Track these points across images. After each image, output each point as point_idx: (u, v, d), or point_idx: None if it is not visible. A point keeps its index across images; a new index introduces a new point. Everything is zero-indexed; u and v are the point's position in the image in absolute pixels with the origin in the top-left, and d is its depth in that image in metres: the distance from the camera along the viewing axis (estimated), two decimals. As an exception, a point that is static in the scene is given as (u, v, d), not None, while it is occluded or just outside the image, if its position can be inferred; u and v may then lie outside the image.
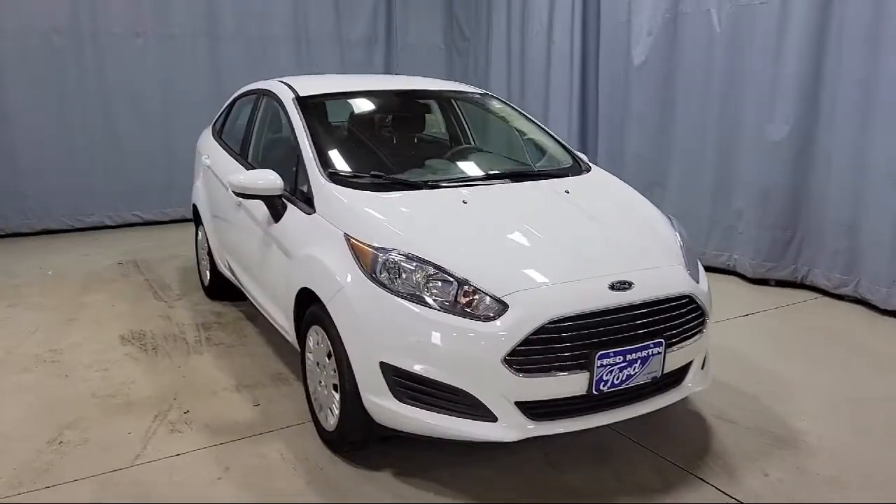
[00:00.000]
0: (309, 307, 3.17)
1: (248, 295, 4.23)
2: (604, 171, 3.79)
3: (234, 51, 7.99)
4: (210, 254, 4.98)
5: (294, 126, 3.62)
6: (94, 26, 7.26)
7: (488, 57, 8.14)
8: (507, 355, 2.52)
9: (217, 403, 3.63)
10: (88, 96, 7.37)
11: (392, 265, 2.74)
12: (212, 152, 4.87)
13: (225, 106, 5.13)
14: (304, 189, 3.37)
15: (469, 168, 3.88)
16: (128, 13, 7.41)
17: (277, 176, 3.39)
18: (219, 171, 4.55)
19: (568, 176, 3.61)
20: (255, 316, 4.81)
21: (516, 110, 4.28)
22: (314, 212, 3.21)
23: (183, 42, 7.74)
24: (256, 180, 3.40)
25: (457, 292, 2.64)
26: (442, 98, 4.46)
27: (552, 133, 4.12)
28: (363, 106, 4.22)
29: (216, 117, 5.28)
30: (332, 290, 2.88)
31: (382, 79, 4.96)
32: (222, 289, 5.04)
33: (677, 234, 3.21)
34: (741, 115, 5.41)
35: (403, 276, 2.72)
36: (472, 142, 4.66)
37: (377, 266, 2.76)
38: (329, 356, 2.99)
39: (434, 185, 3.29)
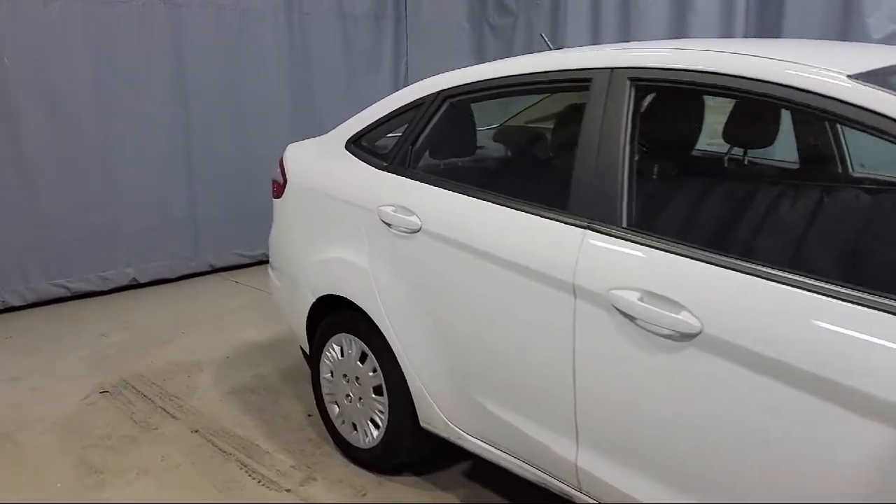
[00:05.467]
0: None
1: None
2: None
3: (202, 24, 5.26)
4: (394, 391, 2.54)
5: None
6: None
7: (557, 38, 6.01)
8: None
9: None
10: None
11: None
12: (415, 199, 2.41)
13: (402, 108, 2.64)
14: None
15: None
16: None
17: None
18: (488, 244, 2.14)
19: None
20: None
21: None
22: None
23: (125, 10, 4.91)
24: None
25: None
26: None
27: None
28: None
29: (365, 127, 2.78)
30: None
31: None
32: (403, 454, 2.64)
33: None
34: None
35: None
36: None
37: None
38: None
39: None
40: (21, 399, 3.40)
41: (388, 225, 2.47)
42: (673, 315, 1.68)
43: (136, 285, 5.23)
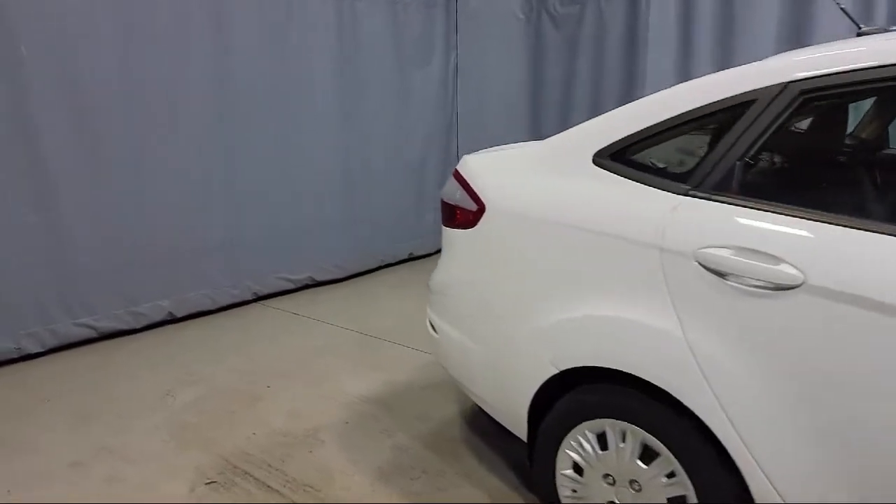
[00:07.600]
0: None
1: None
2: None
3: (243, 10, 4.41)
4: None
5: None
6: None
7: (638, 34, 5.34)
8: None
9: None
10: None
11: None
12: (782, 240, 1.69)
13: (708, 108, 1.88)
14: None
15: None
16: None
17: None
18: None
19: None
20: None
21: None
22: None
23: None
24: None
25: None
26: None
27: None
28: None
29: (634, 134, 2.03)
30: None
31: None
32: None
33: None
34: None
35: None
36: None
37: None
38: None
39: None
40: (101, 497, 2.52)
41: (721, 275, 1.74)
42: None
43: (172, 320, 4.35)
